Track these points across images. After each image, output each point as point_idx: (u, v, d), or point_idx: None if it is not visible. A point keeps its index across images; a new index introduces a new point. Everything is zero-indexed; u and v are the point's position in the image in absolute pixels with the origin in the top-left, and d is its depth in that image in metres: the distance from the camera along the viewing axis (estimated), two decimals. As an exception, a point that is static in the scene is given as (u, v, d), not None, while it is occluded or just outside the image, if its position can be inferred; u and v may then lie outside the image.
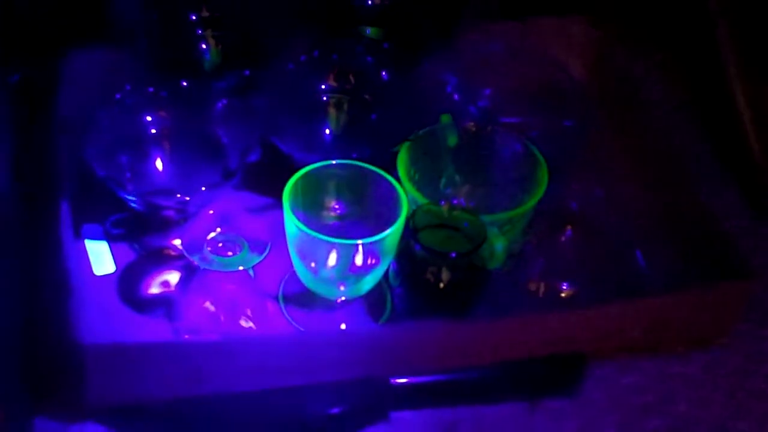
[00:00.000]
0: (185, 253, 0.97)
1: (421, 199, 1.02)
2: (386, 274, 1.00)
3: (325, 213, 1.03)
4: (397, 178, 1.03)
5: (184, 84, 1.08)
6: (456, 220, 1.00)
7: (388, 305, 1.04)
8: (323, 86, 1.15)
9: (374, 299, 1.04)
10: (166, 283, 1.03)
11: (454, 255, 0.97)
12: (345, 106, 1.15)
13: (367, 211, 1.02)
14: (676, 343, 1.06)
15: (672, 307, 1.00)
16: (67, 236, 0.98)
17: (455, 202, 1.10)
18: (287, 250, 0.98)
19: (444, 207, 1.01)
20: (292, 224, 0.95)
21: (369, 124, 1.14)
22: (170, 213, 1.03)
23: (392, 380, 0.98)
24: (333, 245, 0.96)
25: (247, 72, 1.14)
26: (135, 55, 1.13)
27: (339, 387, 0.97)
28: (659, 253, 1.06)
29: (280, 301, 1.04)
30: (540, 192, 1.04)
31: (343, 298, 1.02)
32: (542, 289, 1.04)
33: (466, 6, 1.26)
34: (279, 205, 0.96)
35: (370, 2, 1.21)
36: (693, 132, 1.31)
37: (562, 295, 1.04)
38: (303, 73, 1.15)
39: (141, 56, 1.12)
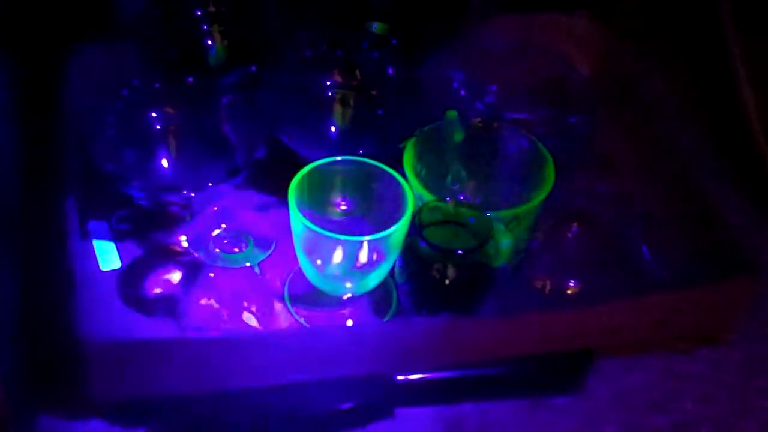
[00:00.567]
0: (191, 250, 0.97)
1: (427, 196, 1.02)
2: (392, 271, 1.00)
3: (330, 209, 1.03)
4: (403, 175, 1.02)
5: (190, 80, 1.07)
6: (462, 216, 1.00)
7: (394, 302, 1.04)
8: (329, 82, 1.15)
9: (380, 296, 1.04)
10: (171, 280, 1.03)
11: (459, 252, 0.96)
12: (351, 102, 1.15)
13: (372, 208, 1.02)
14: (682, 341, 1.06)
15: (678, 304, 1.00)
16: (74, 232, 0.98)
17: (461, 198, 1.10)
18: (293, 246, 0.98)
19: (450, 203, 1.01)
20: (297, 221, 0.95)
21: (375, 120, 1.14)
22: (176, 209, 1.04)
23: (397, 377, 0.98)
24: (338, 242, 0.96)
25: (254, 68, 1.13)
26: (141, 51, 1.12)
27: (344, 384, 0.97)
28: (665, 249, 1.06)
29: (286, 297, 1.04)
30: (546, 189, 1.04)
31: (349, 295, 1.02)
32: (548, 286, 1.04)
33: (472, 1, 1.26)
34: (284, 201, 0.96)
35: (376, -3, 1.21)
36: (699, 129, 1.31)
37: (568, 292, 1.04)
38: (309, 69, 1.15)
39: (147, 52, 1.12)
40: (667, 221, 1.10)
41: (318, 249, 0.97)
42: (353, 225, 1.03)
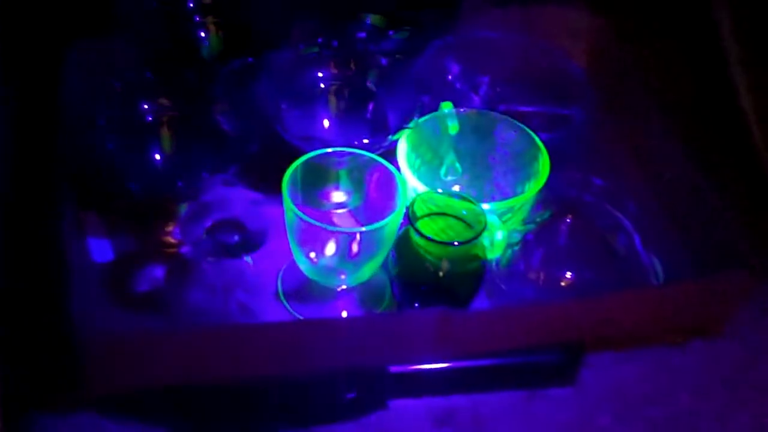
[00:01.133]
0: (184, 242, 0.97)
1: (421, 187, 1.02)
2: (385, 263, 1.00)
3: (324, 201, 1.03)
4: (397, 166, 1.02)
5: (185, 71, 1.07)
6: (456, 208, 1.00)
7: (387, 294, 1.04)
8: (324, 73, 1.15)
9: (373, 288, 1.04)
10: (164, 271, 1.03)
11: (453, 244, 0.96)
12: (346, 94, 1.15)
13: (366, 199, 1.02)
14: (676, 334, 1.06)
15: (672, 296, 1.00)
16: (67, 224, 0.98)
17: (455, 190, 1.10)
18: (286, 238, 0.98)
19: (444, 195, 1.00)
20: (291, 212, 0.95)
21: (370, 111, 1.14)
22: (170, 201, 1.03)
23: (391, 369, 0.98)
24: (332, 233, 0.96)
25: (248, 59, 1.13)
26: (135, 43, 1.12)
27: (338, 375, 0.97)
28: (660, 242, 1.06)
29: (279, 290, 1.04)
30: (541, 181, 1.04)
31: (343, 287, 1.02)
32: (542, 278, 1.04)
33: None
34: (278, 193, 0.96)
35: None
36: (694, 122, 1.30)
37: (562, 284, 1.04)
38: (304, 60, 1.14)
39: (141, 44, 1.12)
40: (661, 214, 1.10)
41: (311, 241, 0.97)
42: (347, 216, 1.02)
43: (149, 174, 1.05)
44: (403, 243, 0.99)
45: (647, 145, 1.18)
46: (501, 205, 1.02)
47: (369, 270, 0.99)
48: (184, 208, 1.00)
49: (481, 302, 1.02)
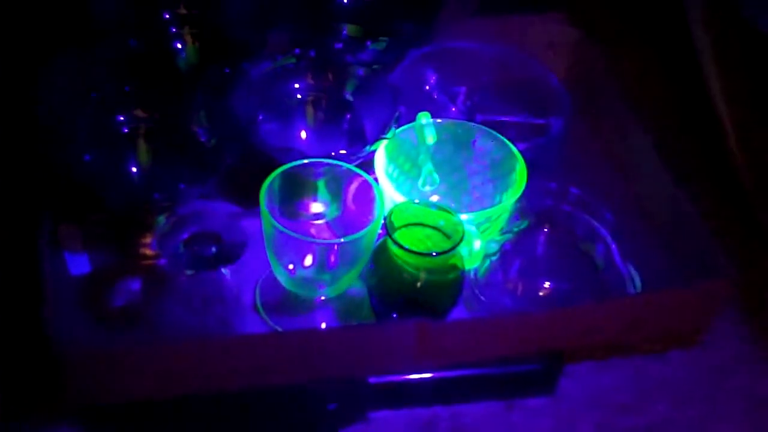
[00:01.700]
0: (161, 254, 0.97)
1: (399, 198, 1.02)
2: (364, 274, 1.00)
3: (302, 212, 1.03)
4: (375, 177, 1.02)
5: (162, 83, 1.07)
6: (434, 218, 1.00)
7: (366, 305, 1.03)
8: (301, 84, 1.15)
9: (352, 299, 1.04)
10: (141, 284, 1.03)
11: (431, 254, 0.96)
12: (323, 104, 1.14)
13: (343, 210, 1.02)
14: (655, 342, 1.06)
15: (651, 305, 1.00)
16: (44, 237, 0.97)
17: (433, 200, 1.10)
18: (264, 250, 0.97)
19: (421, 205, 1.00)
20: (268, 224, 0.94)
21: (347, 122, 1.14)
22: (147, 213, 1.03)
23: (370, 379, 0.98)
24: (310, 244, 0.96)
25: (226, 70, 1.13)
26: (112, 54, 1.12)
27: (317, 387, 0.97)
28: (638, 251, 1.06)
29: (257, 301, 1.03)
30: (518, 190, 1.04)
31: (321, 298, 1.01)
32: (520, 288, 1.04)
33: (446, 3, 1.26)
34: (256, 204, 0.95)
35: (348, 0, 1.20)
36: (671, 130, 1.31)
37: (540, 294, 1.04)
38: (281, 71, 1.14)
39: (118, 55, 1.11)
40: (638, 223, 1.10)
41: (289, 252, 0.97)
42: (324, 227, 1.02)
43: (126, 186, 1.05)
44: (381, 254, 0.99)
45: (624, 155, 1.19)
46: (479, 215, 1.02)
47: (347, 281, 0.99)
48: (160, 221, 1.00)
49: (459, 313, 1.02)
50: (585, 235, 1.07)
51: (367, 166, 1.04)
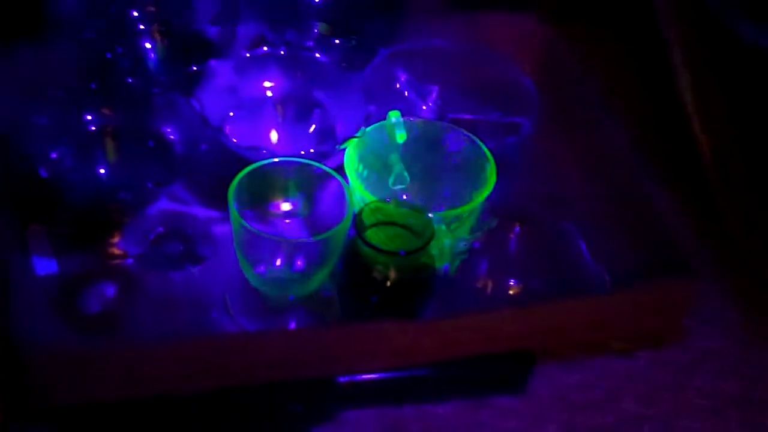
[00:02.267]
0: (129, 253, 0.96)
1: (369, 197, 1.02)
2: (334, 273, 1.00)
3: (271, 211, 1.03)
4: (345, 176, 1.02)
5: (128, 80, 1.06)
6: (404, 217, 1.00)
7: (336, 304, 1.03)
8: (270, 82, 1.14)
9: (321, 298, 1.03)
10: (109, 284, 1.02)
11: (401, 253, 0.96)
12: (292, 102, 1.14)
13: (313, 209, 1.02)
14: (623, 341, 1.06)
15: (619, 304, 1.00)
16: (8, 237, 0.97)
17: (403, 199, 1.10)
18: (233, 249, 0.97)
19: (392, 204, 1.00)
20: (237, 222, 0.94)
21: (317, 120, 1.14)
22: (114, 212, 1.02)
23: (339, 379, 0.98)
24: (279, 243, 0.96)
25: (193, 67, 1.12)
26: (77, 50, 1.11)
27: (286, 387, 0.96)
28: (607, 250, 1.07)
29: (226, 301, 1.03)
30: (488, 189, 1.04)
31: (290, 298, 1.01)
32: (490, 286, 1.04)
33: (417, 1, 1.26)
34: (225, 203, 0.95)
35: (319, -3, 1.20)
36: (641, 129, 1.32)
37: (510, 292, 1.04)
38: (250, 69, 1.14)
39: (83, 52, 1.10)
40: (608, 222, 1.11)
41: (258, 251, 0.97)
42: (294, 226, 1.02)
43: (93, 185, 1.04)
44: (351, 253, 0.98)
45: (595, 153, 1.19)
46: (449, 214, 1.02)
47: (317, 280, 0.99)
48: (128, 220, 0.99)
49: (429, 311, 1.01)
50: (554, 233, 1.07)
51: (337, 164, 1.03)
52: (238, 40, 1.15)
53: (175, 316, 0.99)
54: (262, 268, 0.97)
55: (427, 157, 1.11)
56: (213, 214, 1.05)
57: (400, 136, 1.09)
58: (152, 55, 1.14)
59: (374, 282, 0.98)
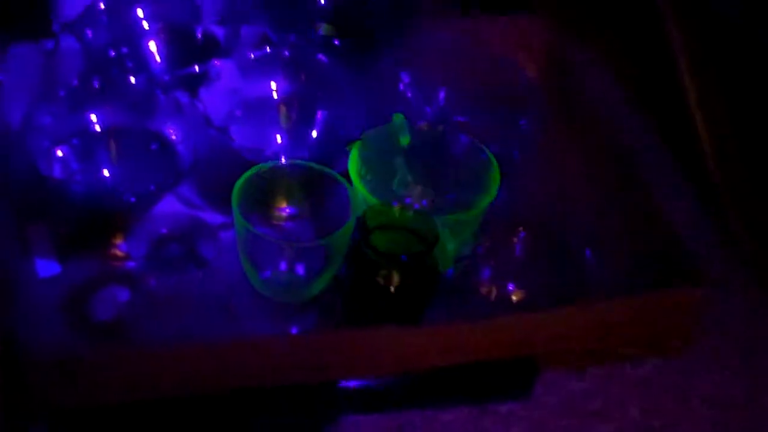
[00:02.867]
0: (131, 255, 0.96)
1: (372, 200, 1.01)
2: (337, 277, 0.99)
3: (275, 213, 1.02)
4: (348, 178, 1.01)
5: (132, 80, 1.05)
6: (407, 221, 0.99)
7: (339, 308, 1.02)
8: (274, 83, 1.14)
9: (324, 302, 1.03)
10: (111, 286, 1.01)
11: (405, 257, 0.95)
12: (296, 104, 1.13)
13: (317, 212, 1.01)
14: (628, 348, 1.06)
15: (624, 311, 1.00)
16: (10, 238, 0.96)
17: (407, 202, 1.09)
18: (236, 252, 0.96)
19: (395, 208, 1.00)
20: (241, 225, 0.93)
21: (320, 122, 1.13)
22: (117, 214, 1.01)
23: (342, 384, 0.97)
24: (282, 246, 0.95)
25: (197, 67, 1.11)
26: (81, 50, 1.10)
27: (288, 391, 0.96)
28: (612, 256, 1.06)
29: (229, 305, 1.02)
30: (492, 193, 1.04)
31: (293, 302, 1.00)
32: (493, 292, 1.04)
33: (420, 3, 1.25)
34: (228, 206, 0.94)
35: (323, -1, 1.20)
36: (646, 133, 1.31)
37: (514, 298, 1.04)
38: (254, 70, 1.13)
39: (86, 51, 1.10)
40: (613, 227, 1.10)
41: (262, 254, 0.96)
42: (298, 229, 1.01)
43: (95, 186, 1.03)
44: (354, 256, 0.98)
45: (599, 156, 1.18)
46: (452, 218, 1.02)
47: (320, 284, 0.98)
48: (131, 222, 0.98)
49: (432, 316, 1.01)
50: (559, 238, 1.07)
51: (341, 167, 1.03)
52: (242, 40, 1.14)
53: (178, 320, 0.98)
54: (265, 272, 0.96)
55: (431, 160, 1.11)
56: (216, 216, 1.04)
57: (404, 139, 1.09)
58: (156, 55, 1.14)
59: (377, 286, 0.97)
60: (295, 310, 1.02)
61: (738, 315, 1.13)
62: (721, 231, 1.18)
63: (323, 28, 1.18)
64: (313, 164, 1.00)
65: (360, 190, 1.02)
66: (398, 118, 1.09)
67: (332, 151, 1.06)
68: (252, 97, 1.12)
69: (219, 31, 1.16)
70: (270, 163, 0.99)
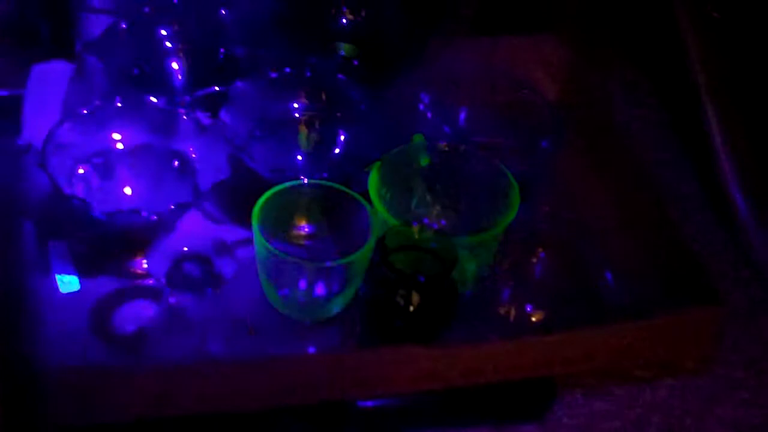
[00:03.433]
0: (151, 273, 0.96)
1: (392, 220, 1.01)
2: (356, 297, 0.99)
3: (294, 233, 1.02)
4: (368, 199, 1.02)
5: (153, 99, 1.06)
6: (427, 241, 0.99)
7: (358, 328, 1.02)
8: (295, 104, 1.14)
9: (343, 322, 1.03)
10: (131, 303, 1.02)
11: (423, 278, 0.96)
12: (316, 125, 1.14)
13: (337, 232, 1.01)
14: (647, 369, 1.05)
15: (643, 332, 0.99)
16: (32, 256, 0.96)
17: (426, 223, 1.09)
18: (256, 271, 0.96)
19: (415, 228, 1.00)
20: (261, 245, 0.93)
21: (340, 143, 1.13)
22: (137, 232, 1.02)
23: (359, 404, 0.97)
24: (302, 266, 0.95)
25: (218, 87, 1.12)
26: (104, 68, 1.11)
27: (306, 411, 0.96)
28: (631, 277, 1.06)
29: (248, 324, 1.02)
30: (512, 214, 1.04)
31: (312, 321, 1.00)
32: (513, 313, 1.04)
33: (439, 24, 1.26)
34: (248, 225, 0.94)
35: (344, 20, 1.20)
36: (666, 154, 1.31)
37: (533, 319, 1.03)
38: (274, 90, 1.13)
39: (108, 70, 1.10)
40: (632, 248, 1.10)
41: (281, 273, 0.96)
42: (317, 249, 1.02)
43: (116, 204, 1.04)
44: (373, 276, 0.98)
45: (618, 178, 1.18)
46: (472, 239, 1.02)
47: (340, 303, 0.98)
48: (151, 240, 0.99)
49: (451, 337, 1.01)
50: (578, 260, 1.06)
51: (361, 187, 1.03)
52: (264, 61, 1.15)
53: (196, 338, 0.98)
54: (285, 291, 0.96)
55: (450, 181, 1.11)
56: (236, 235, 1.04)
57: (424, 160, 1.09)
58: (178, 74, 1.14)
59: (397, 306, 0.97)
60: (313, 330, 1.02)
61: (757, 337, 1.12)
62: (743, 252, 1.18)
63: (343, 49, 1.19)
64: (333, 184, 1.00)
65: (380, 211, 1.02)
66: (418, 138, 1.09)
67: (352, 171, 1.06)
68: (272, 117, 1.13)
69: (240, 52, 1.16)
70: (290, 183, 0.99)
